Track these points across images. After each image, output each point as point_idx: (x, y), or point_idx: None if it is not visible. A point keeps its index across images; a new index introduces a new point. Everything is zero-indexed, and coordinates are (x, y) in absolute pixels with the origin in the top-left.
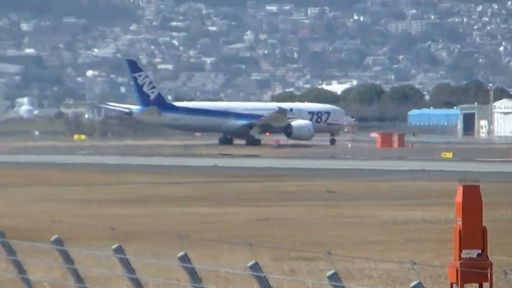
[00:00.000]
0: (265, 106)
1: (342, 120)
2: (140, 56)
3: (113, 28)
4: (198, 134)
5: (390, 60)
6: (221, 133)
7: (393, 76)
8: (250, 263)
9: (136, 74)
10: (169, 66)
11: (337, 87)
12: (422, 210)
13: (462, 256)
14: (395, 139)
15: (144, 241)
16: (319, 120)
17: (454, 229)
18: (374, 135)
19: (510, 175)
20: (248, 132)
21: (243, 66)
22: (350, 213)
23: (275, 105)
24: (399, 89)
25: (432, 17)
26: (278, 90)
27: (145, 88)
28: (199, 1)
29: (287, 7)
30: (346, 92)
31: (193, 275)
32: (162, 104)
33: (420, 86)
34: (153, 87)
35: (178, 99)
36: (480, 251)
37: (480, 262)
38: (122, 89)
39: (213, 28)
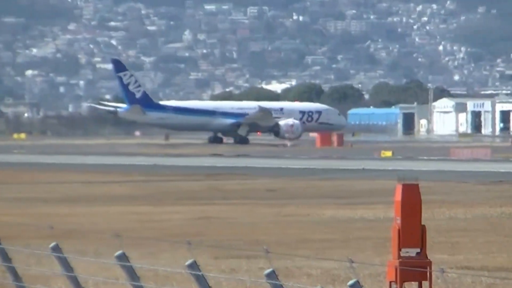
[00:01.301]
0: (254, 105)
1: (334, 119)
2: (79, 56)
3: (52, 28)
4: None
5: (329, 60)
6: (211, 132)
7: (332, 76)
8: (188, 262)
9: (121, 74)
10: (108, 66)
11: (276, 87)
12: (363, 208)
13: (401, 254)
14: (335, 138)
15: (84, 240)
16: (310, 119)
17: (393, 228)
18: (314, 134)
19: (449, 174)
20: (236, 131)
21: (182, 66)
22: (290, 211)
23: (264, 104)
24: (339, 88)
25: (371, 17)
26: (218, 90)
27: (130, 87)
28: (138, 1)
29: (226, 7)
30: (285, 91)
31: (132, 273)
32: (148, 102)
33: (360, 86)
34: (139, 86)
35: (117, 99)
36: (419, 250)
37: (419, 261)
38: (61, 89)
39: (152, 28)
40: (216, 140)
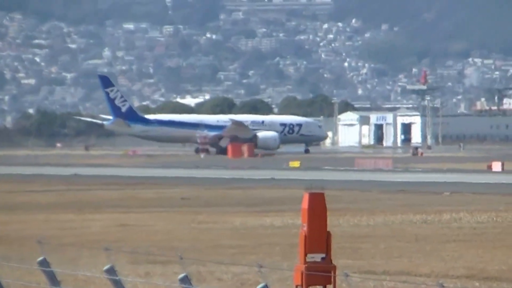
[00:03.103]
0: (235, 118)
1: (315, 131)
2: (5, 72)
3: None
4: (59, 145)
5: (240, 75)
6: (195, 144)
7: (243, 90)
8: (106, 267)
9: (108, 89)
10: (32, 81)
11: (190, 101)
12: (272, 216)
13: (307, 259)
14: (245, 149)
15: (8, 246)
16: (291, 131)
17: (300, 234)
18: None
19: (354, 183)
20: (218, 143)
21: None
22: (203, 219)
23: (246, 117)
24: (249, 102)
25: (281, 35)
26: (135, 104)
27: (116, 102)
28: (60, 20)
29: (143, 26)
30: (199, 105)
31: (52, 278)
32: (133, 116)
33: (269, 100)
34: (125, 101)
35: (39, 111)
36: (324, 255)
37: (324, 265)
38: None
39: (73, 46)
40: (201, 151)
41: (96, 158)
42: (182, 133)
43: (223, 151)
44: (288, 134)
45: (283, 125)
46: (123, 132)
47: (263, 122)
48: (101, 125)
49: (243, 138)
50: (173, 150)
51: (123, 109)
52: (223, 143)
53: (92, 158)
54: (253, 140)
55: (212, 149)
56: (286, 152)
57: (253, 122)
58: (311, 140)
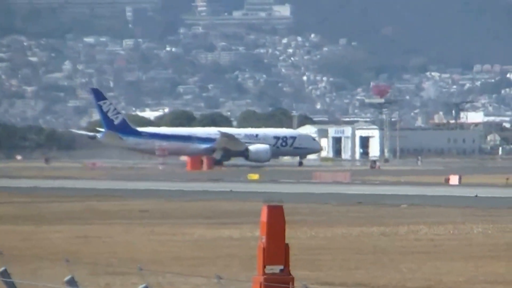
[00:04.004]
0: (228, 132)
1: (308, 144)
2: None
3: None
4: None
5: (200, 89)
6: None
7: (203, 104)
8: (67, 278)
9: (100, 102)
10: None
11: (150, 114)
12: (230, 228)
13: (266, 271)
14: (205, 162)
15: None
16: (284, 144)
17: (259, 246)
18: (184, 158)
19: (312, 196)
20: (211, 155)
21: (62, 94)
22: (162, 231)
23: (239, 131)
24: (208, 115)
25: (240, 48)
26: (95, 117)
27: (109, 114)
28: (21, 34)
29: (103, 39)
30: (159, 118)
31: None
32: (126, 129)
33: (229, 113)
34: (117, 113)
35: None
36: (282, 267)
37: (282, 277)
38: None
39: (34, 59)
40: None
41: (56, 171)
42: (174, 145)
43: (216, 163)
44: (282, 147)
45: (277, 138)
46: (116, 144)
47: (256, 135)
48: (93, 137)
49: (235, 150)
50: (133, 163)
51: (116, 121)
52: (216, 155)
53: (52, 170)
54: (244, 153)
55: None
56: (245, 165)
57: (247, 135)
58: (305, 153)
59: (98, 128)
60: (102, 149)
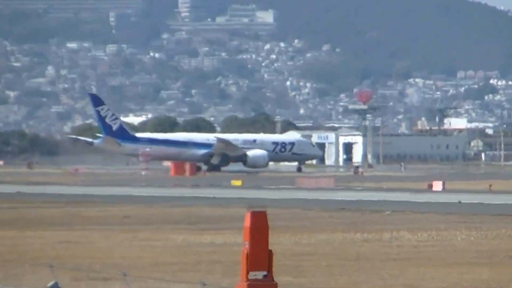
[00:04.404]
0: (227, 137)
1: (307, 150)
2: None
3: None
4: None
5: (183, 94)
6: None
7: (186, 109)
8: (50, 283)
9: (98, 108)
10: None
11: (133, 119)
12: (213, 234)
13: (249, 277)
14: (188, 167)
15: None
16: (283, 150)
17: (242, 252)
18: (168, 163)
19: (295, 202)
20: (209, 161)
21: (45, 99)
22: (145, 236)
23: (238, 136)
24: (192, 121)
25: (223, 54)
26: (78, 122)
27: (107, 120)
28: (4, 38)
29: (86, 45)
30: (142, 124)
31: None
32: (124, 134)
33: (212, 118)
34: (116, 119)
35: None
36: (266, 273)
37: (266, 283)
38: None
39: (17, 64)
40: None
41: (39, 176)
42: (173, 151)
43: (214, 168)
44: (280, 152)
45: (275, 143)
46: (114, 150)
47: (254, 140)
48: (91, 143)
49: (233, 156)
50: (116, 168)
51: (114, 127)
52: (214, 160)
53: (35, 175)
54: (242, 158)
55: (205, 167)
56: (229, 171)
57: (245, 141)
58: (304, 158)
59: (98, 134)
60: (85, 155)
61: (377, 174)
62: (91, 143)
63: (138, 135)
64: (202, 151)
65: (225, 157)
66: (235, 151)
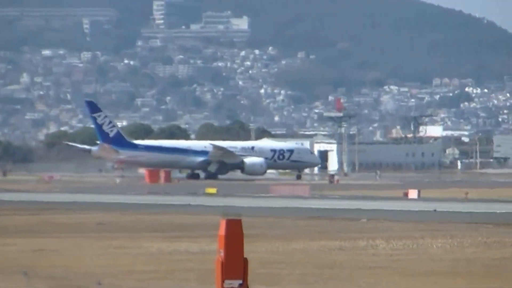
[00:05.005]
0: (224, 144)
1: (306, 158)
2: None
3: None
4: None
5: (158, 102)
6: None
7: (161, 117)
8: None
9: (95, 115)
10: None
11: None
12: (187, 242)
13: (225, 286)
14: (162, 175)
15: None
16: (281, 157)
17: (217, 260)
18: (143, 170)
19: (270, 210)
20: (207, 168)
21: (19, 107)
22: (119, 244)
23: (236, 143)
24: (166, 128)
25: (198, 61)
26: (53, 129)
27: (104, 127)
28: None
29: (61, 52)
30: None
31: None
32: (121, 141)
33: (187, 126)
34: (113, 126)
35: None
36: (241, 281)
37: None
38: None
39: None
40: (193, 176)
41: (13, 183)
42: (170, 158)
43: (212, 176)
44: (279, 160)
45: (274, 151)
46: (111, 157)
47: (253, 148)
48: (88, 151)
49: (230, 163)
50: (90, 176)
51: (111, 134)
52: (211, 168)
53: (8, 183)
54: (240, 166)
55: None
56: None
57: (243, 148)
58: (302, 166)
59: (97, 142)
60: (59, 162)
61: (353, 182)
62: (88, 151)
63: (136, 142)
64: (200, 159)
65: (223, 165)
66: (232, 159)
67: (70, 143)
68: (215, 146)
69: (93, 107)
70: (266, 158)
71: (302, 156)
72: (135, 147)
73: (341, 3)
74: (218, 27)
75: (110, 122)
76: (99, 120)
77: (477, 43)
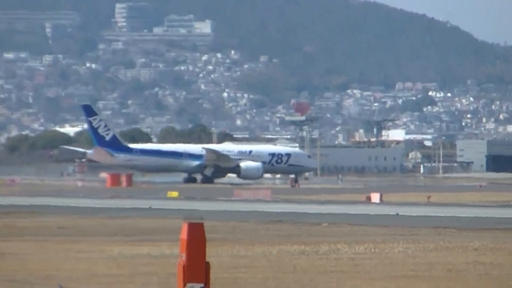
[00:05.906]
0: (222, 148)
1: (304, 162)
2: None
3: None
4: None
5: (119, 105)
6: (186, 173)
7: (122, 120)
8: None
9: (91, 118)
10: None
11: (69, 130)
12: (149, 245)
13: None
14: (124, 179)
15: None
16: (279, 161)
17: (179, 264)
18: (104, 175)
19: (232, 214)
20: (202, 172)
21: None
22: (80, 248)
23: (233, 147)
24: (128, 132)
25: (160, 65)
26: (14, 133)
27: (100, 131)
28: None
29: (23, 55)
30: (78, 134)
31: None
32: (117, 145)
33: (148, 130)
34: (108, 130)
35: None
36: (203, 285)
37: None
38: None
39: None
40: (190, 180)
41: None
42: (167, 162)
43: (208, 180)
44: (276, 164)
45: (271, 155)
46: (106, 161)
47: (250, 152)
48: (84, 154)
49: (226, 167)
50: (52, 179)
51: (107, 138)
52: (207, 172)
53: None
54: (236, 169)
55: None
56: (164, 182)
57: (240, 152)
58: (300, 170)
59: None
60: (20, 166)
61: (315, 187)
62: (84, 154)
63: (132, 146)
64: (196, 162)
65: (218, 169)
66: (227, 162)
67: (67, 147)
68: (207, 150)
69: (89, 111)
70: (263, 162)
71: (300, 160)
72: (131, 151)
73: (305, 8)
74: (180, 31)
75: (106, 125)
76: (94, 124)
77: (440, 47)
